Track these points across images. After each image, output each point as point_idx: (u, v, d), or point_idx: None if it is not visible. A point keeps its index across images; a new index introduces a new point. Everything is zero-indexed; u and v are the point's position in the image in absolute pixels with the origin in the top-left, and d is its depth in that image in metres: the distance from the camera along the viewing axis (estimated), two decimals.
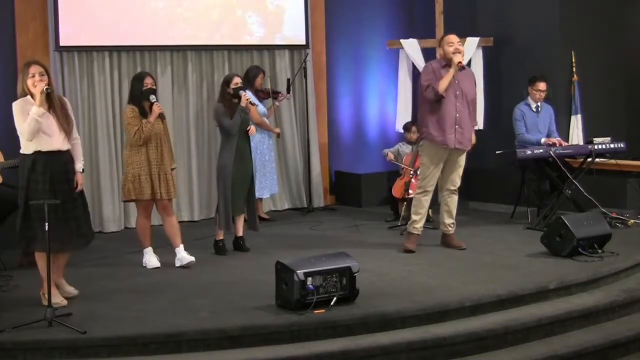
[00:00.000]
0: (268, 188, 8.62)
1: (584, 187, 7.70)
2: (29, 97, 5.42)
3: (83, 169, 5.67)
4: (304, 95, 9.35)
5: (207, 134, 8.83)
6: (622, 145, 7.95)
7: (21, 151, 5.48)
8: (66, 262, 5.73)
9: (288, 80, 9.03)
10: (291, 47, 9.36)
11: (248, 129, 7.02)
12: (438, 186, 7.10)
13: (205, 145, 8.86)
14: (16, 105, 5.42)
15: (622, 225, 7.62)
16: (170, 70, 8.67)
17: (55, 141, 5.42)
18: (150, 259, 6.62)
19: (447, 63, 6.83)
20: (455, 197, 7.05)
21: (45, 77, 5.40)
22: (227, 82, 7.06)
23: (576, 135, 8.78)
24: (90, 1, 8.27)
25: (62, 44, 8.08)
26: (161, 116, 6.57)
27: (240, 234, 7.16)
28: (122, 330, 4.87)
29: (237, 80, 7.03)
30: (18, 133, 5.45)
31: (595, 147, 7.82)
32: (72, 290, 5.69)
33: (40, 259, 5.42)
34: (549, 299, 5.68)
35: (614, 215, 7.71)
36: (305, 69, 9.27)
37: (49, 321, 4.90)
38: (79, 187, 5.58)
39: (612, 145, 7.91)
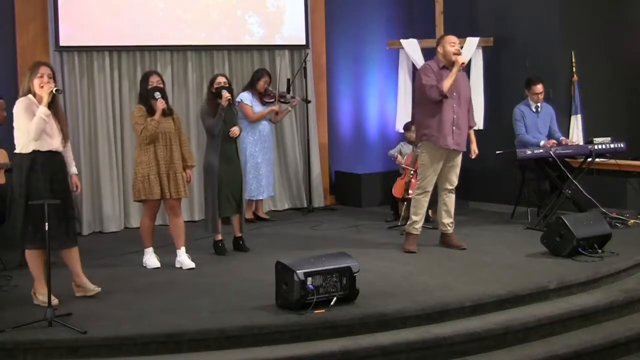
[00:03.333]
0: (266, 190, 8.59)
1: (584, 187, 7.70)
2: (31, 96, 5.39)
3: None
4: (304, 96, 9.34)
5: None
6: (622, 145, 7.95)
7: (18, 150, 5.39)
8: (79, 262, 5.68)
9: (288, 80, 9.03)
10: (291, 47, 9.36)
11: (230, 130, 6.97)
12: (437, 186, 7.10)
13: (204, 145, 8.82)
14: (20, 103, 5.36)
15: (622, 225, 7.63)
16: (170, 70, 8.67)
17: (55, 142, 5.43)
18: (150, 259, 6.63)
19: (445, 64, 6.82)
20: (453, 197, 7.04)
21: (52, 80, 5.41)
22: (211, 81, 7.08)
23: (576, 135, 8.77)
24: (90, 1, 8.28)
25: (62, 44, 8.09)
26: (168, 112, 6.55)
27: (238, 234, 7.15)
28: (122, 330, 4.87)
29: (220, 80, 7.00)
30: (17, 132, 5.38)
31: (595, 147, 7.82)
32: (95, 287, 5.67)
33: (33, 259, 5.41)
34: (549, 299, 5.67)
35: (614, 215, 7.72)
36: (305, 69, 9.27)
37: (49, 321, 4.89)
38: (79, 189, 5.82)
39: (612, 145, 7.91)
